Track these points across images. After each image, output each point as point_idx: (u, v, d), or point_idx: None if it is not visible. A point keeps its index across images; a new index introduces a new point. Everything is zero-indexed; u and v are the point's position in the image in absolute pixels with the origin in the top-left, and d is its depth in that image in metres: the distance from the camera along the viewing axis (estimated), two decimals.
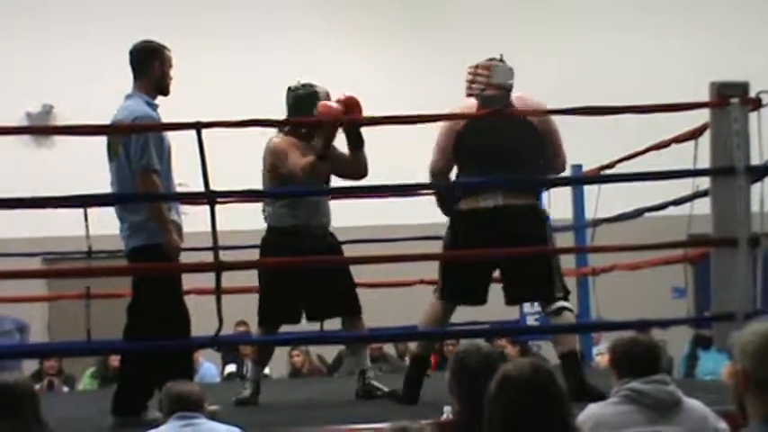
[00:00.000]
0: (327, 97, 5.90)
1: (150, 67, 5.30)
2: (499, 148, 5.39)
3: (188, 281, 5.41)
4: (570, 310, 5.51)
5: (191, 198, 5.56)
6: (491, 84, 5.59)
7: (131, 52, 5.35)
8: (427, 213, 6.16)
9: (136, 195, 5.23)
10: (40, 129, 11.57)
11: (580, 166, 7.49)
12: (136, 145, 5.13)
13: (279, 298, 5.85)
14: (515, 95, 5.60)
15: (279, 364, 10.34)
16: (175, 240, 5.16)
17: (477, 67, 5.65)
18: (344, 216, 6.46)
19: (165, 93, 5.37)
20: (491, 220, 5.32)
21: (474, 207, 5.39)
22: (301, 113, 5.94)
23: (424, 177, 5.76)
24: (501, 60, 5.67)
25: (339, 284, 5.80)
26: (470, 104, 5.53)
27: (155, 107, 5.32)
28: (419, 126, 5.51)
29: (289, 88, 6.07)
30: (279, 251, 5.76)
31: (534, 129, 5.47)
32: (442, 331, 5.82)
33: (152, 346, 5.07)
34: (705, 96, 5.33)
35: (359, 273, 6.00)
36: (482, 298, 5.51)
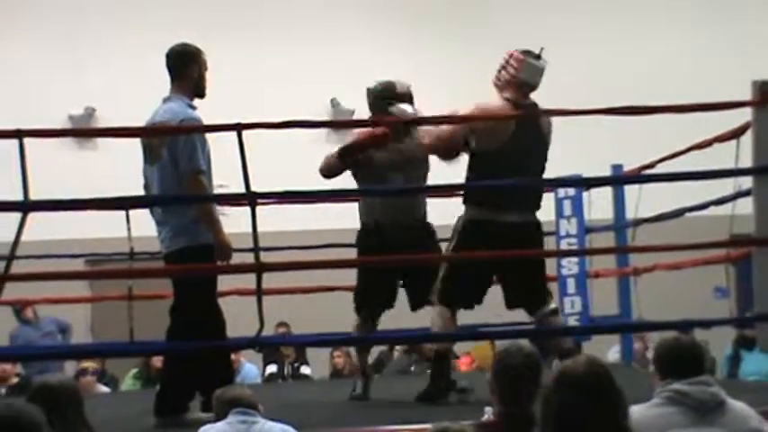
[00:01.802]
0: (409, 94, 5.92)
1: (188, 70, 5.32)
2: (526, 155, 5.40)
3: (229, 282, 5.45)
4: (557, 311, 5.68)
5: (232, 199, 5.59)
6: (516, 78, 5.54)
7: (168, 55, 5.37)
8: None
9: (177, 197, 5.26)
10: (83, 131, 11.65)
11: (621, 166, 7.46)
12: (184, 147, 5.14)
13: (369, 286, 5.96)
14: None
15: (320, 366, 10.37)
16: (228, 239, 5.17)
17: (511, 55, 5.60)
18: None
19: (202, 95, 5.39)
20: (508, 235, 5.34)
21: (493, 219, 5.40)
22: (377, 113, 5.94)
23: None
24: (538, 56, 5.58)
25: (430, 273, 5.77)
26: (498, 106, 5.51)
27: (194, 109, 5.35)
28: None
29: (367, 89, 6.08)
30: (360, 247, 5.98)
31: (545, 135, 5.54)
32: (479, 332, 5.80)
33: (193, 347, 5.10)
34: (743, 95, 5.30)
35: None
36: (480, 301, 5.60)
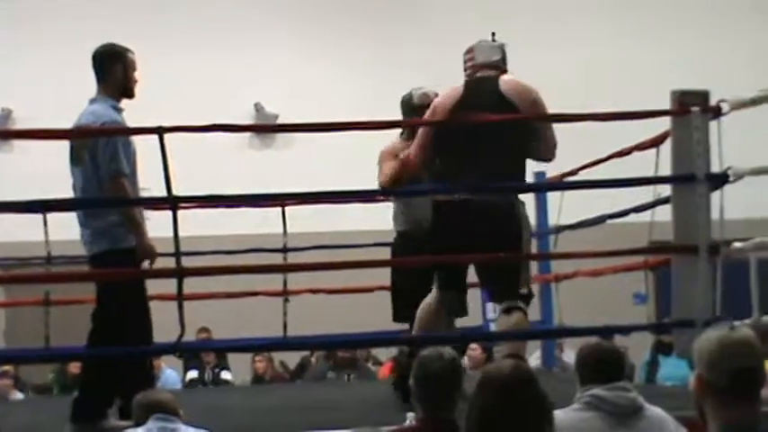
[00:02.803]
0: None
1: (113, 70, 5.24)
2: (474, 138, 5.35)
3: (150, 287, 5.38)
4: (522, 310, 5.44)
5: (153, 203, 5.52)
6: (476, 65, 5.51)
7: (93, 56, 5.29)
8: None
9: (94, 200, 5.19)
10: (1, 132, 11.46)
11: (543, 173, 7.52)
12: (105, 150, 5.08)
13: (397, 291, 5.95)
14: (505, 78, 5.45)
15: (242, 371, 10.32)
16: (151, 243, 5.11)
17: (466, 52, 5.60)
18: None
19: (130, 96, 5.31)
20: (460, 214, 5.29)
21: (447, 199, 5.37)
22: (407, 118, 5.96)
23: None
24: (491, 40, 5.60)
25: None
26: (450, 91, 5.48)
27: (120, 111, 5.27)
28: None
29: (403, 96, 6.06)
30: (393, 252, 6.00)
31: (518, 112, 5.35)
32: (406, 338, 5.79)
33: (112, 353, 5.02)
34: (667, 105, 5.37)
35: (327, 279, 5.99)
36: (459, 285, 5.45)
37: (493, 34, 5.62)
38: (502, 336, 5.52)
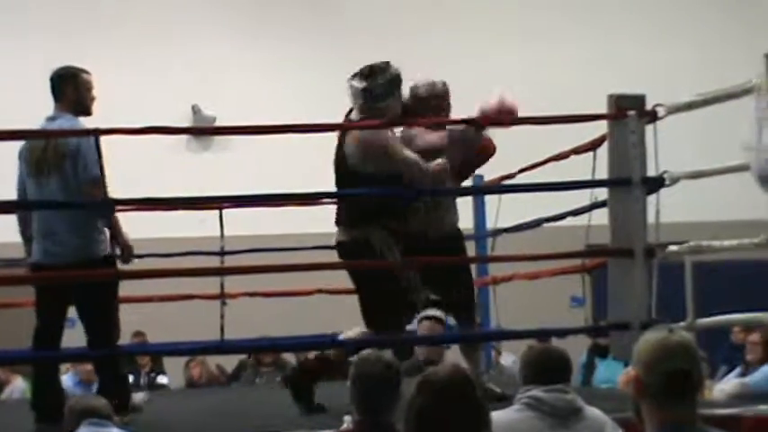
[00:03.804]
0: (445, 90, 5.66)
1: (66, 91, 5.38)
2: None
3: None
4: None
5: (90, 206, 5.47)
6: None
7: (50, 78, 5.43)
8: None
9: (25, 202, 5.17)
10: None
11: (481, 176, 7.55)
12: (85, 158, 5.17)
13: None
14: (353, 133, 5.39)
15: (177, 375, 10.24)
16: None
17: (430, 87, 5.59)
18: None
19: (87, 113, 5.41)
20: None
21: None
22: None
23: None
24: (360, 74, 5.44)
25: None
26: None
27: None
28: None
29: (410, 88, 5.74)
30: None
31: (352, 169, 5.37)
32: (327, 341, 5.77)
33: (41, 357, 5.00)
34: (601, 109, 5.42)
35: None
36: None
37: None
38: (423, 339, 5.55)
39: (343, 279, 5.58)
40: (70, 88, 5.39)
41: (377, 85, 5.32)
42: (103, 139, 5.06)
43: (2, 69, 11.39)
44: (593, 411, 3.77)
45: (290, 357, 9.94)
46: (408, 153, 5.34)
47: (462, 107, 5.60)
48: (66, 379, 8.99)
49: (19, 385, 9.45)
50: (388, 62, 5.40)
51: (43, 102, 5.42)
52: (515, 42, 12.73)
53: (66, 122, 5.31)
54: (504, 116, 5.50)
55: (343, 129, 5.50)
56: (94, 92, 5.45)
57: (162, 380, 9.99)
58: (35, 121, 5.39)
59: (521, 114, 5.56)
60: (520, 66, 12.45)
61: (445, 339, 5.35)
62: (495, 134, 5.58)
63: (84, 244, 5.17)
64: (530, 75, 12.36)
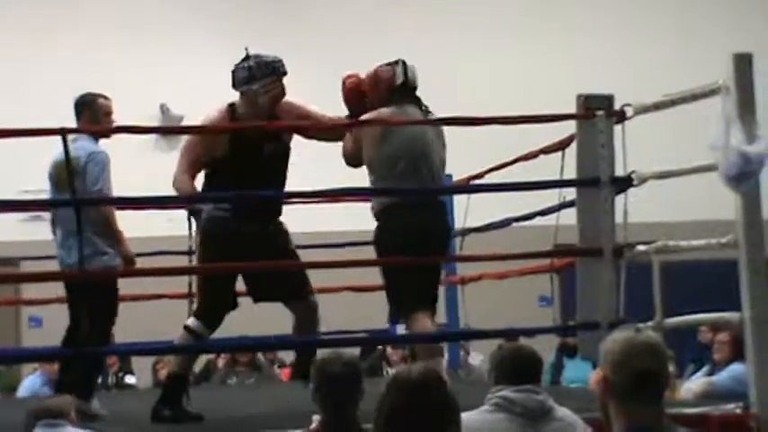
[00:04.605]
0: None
1: (83, 116, 5.75)
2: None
3: (54, 290, 5.31)
4: None
5: (57, 205, 5.46)
6: None
7: (74, 104, 5.84)
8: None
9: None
10: None
11: (450, 176, 7.55)
12: (90, 174, 5.52)
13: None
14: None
15: (145, 375, 10.20)
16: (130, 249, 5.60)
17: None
18: None
19: (105, 137, 5.73)
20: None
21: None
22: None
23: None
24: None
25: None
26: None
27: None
28: None
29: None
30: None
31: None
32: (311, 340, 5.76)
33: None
34: (570, 109, 5.42)
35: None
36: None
37: (246, 48, 5.60)
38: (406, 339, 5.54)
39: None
40: (88, 113, 5.74)
41: (238, 69, 5.56)
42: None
43: None
44: (563, 411, 3.78)
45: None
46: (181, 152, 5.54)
47: (433, 105, 5.60)
48: (34, 379, 8.95)
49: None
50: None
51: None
52: (483, 40, 12.74)
53: (85, 144, 5.60)
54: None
55: (314, 128, 5.53)
56: (114, 116, 5.78)
57: (130, 380, 9.94)
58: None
59: (489, 114, 5.56)
60: (488, 65, 12.48)
61: (431, 337, 5.32)
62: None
63: (87, 254, 5.28)
64: (498, 74, 12.40)
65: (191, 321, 5.38)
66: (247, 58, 5.53)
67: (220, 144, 5.41)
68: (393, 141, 5.33)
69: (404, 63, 5.52)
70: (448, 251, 5.51)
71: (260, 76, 5.50)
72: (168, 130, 12.28)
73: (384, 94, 5.46)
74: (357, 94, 5.59)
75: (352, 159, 5.51)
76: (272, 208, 5.55)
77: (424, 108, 5.52)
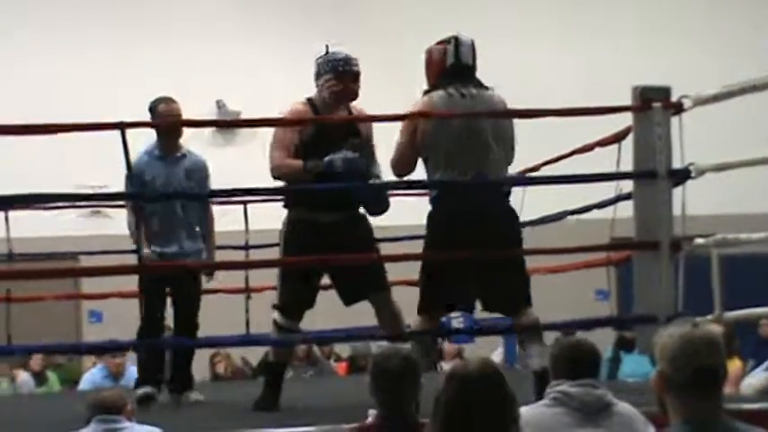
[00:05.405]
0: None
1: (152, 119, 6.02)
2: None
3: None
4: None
5: (122, 198, 5.50)
6: None
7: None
8: None
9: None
10: None
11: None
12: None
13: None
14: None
15: (201, 368, 10.26)
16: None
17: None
18: None
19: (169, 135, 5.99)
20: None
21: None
22: None
23: None
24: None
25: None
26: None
27: (159, 156, 6.00)
28: None
29: None
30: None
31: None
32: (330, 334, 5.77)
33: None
34: (625, 101, 5.39)
35: None
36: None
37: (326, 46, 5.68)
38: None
39: None
40: (153, 119, 6.00)
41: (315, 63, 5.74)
42: (129, 133, 5.07)
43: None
44: (623, 406, 3.75)
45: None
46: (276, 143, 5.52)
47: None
48: (95, 372, 9.04)
49: (27, 380, 9.48)
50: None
51: None
52: (542, 37, 12.69)
53: (150, 147, 6.00)
54: None
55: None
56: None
57: None
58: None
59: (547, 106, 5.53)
60: (546, 59, 12.42)
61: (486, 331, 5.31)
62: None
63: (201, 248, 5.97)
64: (555, 68, 12.34)
65: (275, 315, 5.41)
66: (326, 53, 5.67)
67: (306, 133, 5.46)
68: (440, 128, 5.22)
69: (456, 41, 5.34)
70: (502, 233, 5.38)
71: (323, 72, 5.63)
72: (225, 123, 12.39)
73: (435, 76, 5.37)
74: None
75: (404, 159, 5.34)
76: (351, 199, 5.47)
77: (477, 87, 5.31)
